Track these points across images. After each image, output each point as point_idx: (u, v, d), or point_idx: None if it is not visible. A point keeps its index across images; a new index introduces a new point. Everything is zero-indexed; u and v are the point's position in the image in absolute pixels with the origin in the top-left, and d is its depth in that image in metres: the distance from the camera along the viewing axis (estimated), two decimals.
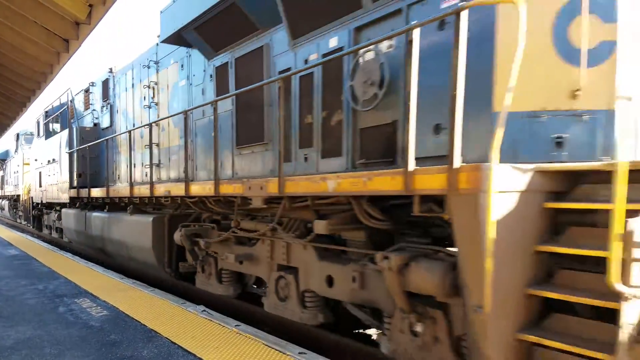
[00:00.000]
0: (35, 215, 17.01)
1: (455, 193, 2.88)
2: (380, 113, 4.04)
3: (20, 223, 21.33)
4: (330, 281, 4.40)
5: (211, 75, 6.56)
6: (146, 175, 8.25)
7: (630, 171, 2.58)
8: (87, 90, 11.83)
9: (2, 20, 8.44)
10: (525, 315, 2.87)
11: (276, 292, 5.14)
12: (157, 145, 8.13)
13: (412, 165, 3.15)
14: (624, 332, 2.36)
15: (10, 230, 17.25)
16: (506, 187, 2.76)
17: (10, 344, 4.03)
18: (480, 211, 2.69)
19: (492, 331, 2.74)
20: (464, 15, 2.76)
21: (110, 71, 10.44)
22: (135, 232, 7.57)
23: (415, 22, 3.09)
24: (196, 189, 5.86)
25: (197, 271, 6.63)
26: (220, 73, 6.33)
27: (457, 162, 2.86)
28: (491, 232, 2.63)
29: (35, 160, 16.09)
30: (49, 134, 14.16)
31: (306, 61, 4.93)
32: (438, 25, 3.57)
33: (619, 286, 2.25)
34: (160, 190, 6.73)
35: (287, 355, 3.58)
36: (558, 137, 3.20)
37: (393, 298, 3.57)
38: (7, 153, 26.21)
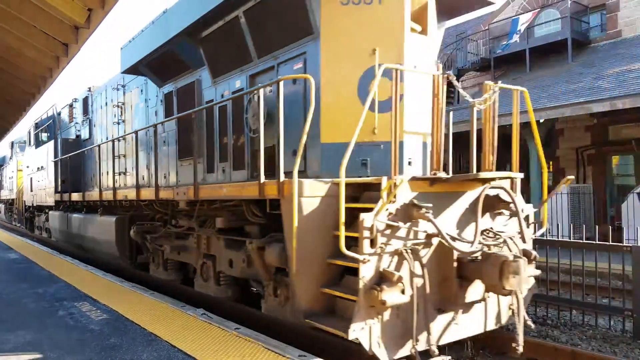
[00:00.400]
0: (28, 217, 18.49)
1: (282, 197, 4.38)
2: (264, 139, 5.53)
3: (15, 225, 22.82)
4: (231, 263, 5.89)
5: (161, 100, 8.07)
6: (115, 181, 9.76)
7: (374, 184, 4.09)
8: (71, 105, 13.34)
9: (2, 24, 8.45)
10: (328, 277, 4.35)
11: (202, 274, 6.63)
12: (124, 156, 9.63)
13: (262, 178, 4.65)
14: (362, 283, 3.85)
15: (10, 234, 17.47)
16: (311, 193, 4.25)
17: (10, 348, 4.03)
18: (293, 209, 4.18)
19: (300, 286, 4.23)
20: (282, 84, 4.27)
21: (89, 90, 11.95)
22: (103, 230, 9.06)
23: (259, 84, 4.60)
24: (145, 194, 7.36)
25: (150, 261, 8.11)
26: (168, 99, 7.84)
27: (282, 177, 4.36)
28: (296, 222, 4.11)
29: (27, 167, 17.58)
30: (38, 143, 15.64)
31: (222, 95, 6.43)
32: (293, 81, 5.08)
33: (345, 251, 3.74)
34: (121, 195, 8.23)
35: (287, 357, 3.62)
36: (364, 160, 4.71)
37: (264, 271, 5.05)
38: (3, 159, 27.71)
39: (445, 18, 5.65)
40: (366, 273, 3.86)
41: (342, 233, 3.76)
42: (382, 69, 3.98)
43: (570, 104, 11.74)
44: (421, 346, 4.12)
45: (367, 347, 3.88)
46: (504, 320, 4.91)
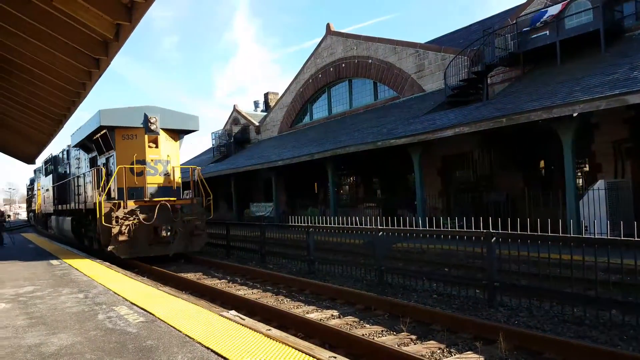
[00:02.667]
0: (43, 221, 27.84)
1: (97, 207, 12.91)
2: (105, 184, 14.08)
3: (38, 227, 32.41)
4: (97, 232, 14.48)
5: (89, 161, 16.81)
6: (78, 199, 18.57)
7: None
8: (62, 152, 22.39)
9: (35, 40, 8.98)
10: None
11: (96, 240, 15.21)
12: (79, 186, 18.47)
13: (96, 200, 13.23)
14: (113, 233, 12.38)
15: (51, 242, 19.16)
16: (105, 206, 12.77)
17: (53, 350, 4.19)
18: (97, 211, 12.70)
19: (102, 237, 12.75)
20: (94, 170, 12.90)
21: (68, 146, 20.90)
22: (67, 224, 17.82)
23: (103, 163, 13.26)
24: (78, 206, 16.06)
25: (84, 237, 16.82)
26: (90, 161, 16.58)
27: (99, 199, 12.93)
28: (98, 215, 12.65)
29: (42, 188, 26.91)
30: (47, 173, 24.86)
31: (102, 164, 15.05)
32: (112, 162, 13.68)
33: (103, 224, 12.25)
34: (72, 207, 16.99)
35: (318, 358, 3.72)
36: (131, 193, 13.21)
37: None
38: (33, 180, 37.67)
39: (182, 135, 14.23)
40: (114, 230, 12.42)
41: (102, 219, 12.31)
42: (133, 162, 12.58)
43: (605, 97, 11.02)
44: (139, 255, 12.67)
45: (116, 254, 12.42)
46: (189, 250, 13.38)
